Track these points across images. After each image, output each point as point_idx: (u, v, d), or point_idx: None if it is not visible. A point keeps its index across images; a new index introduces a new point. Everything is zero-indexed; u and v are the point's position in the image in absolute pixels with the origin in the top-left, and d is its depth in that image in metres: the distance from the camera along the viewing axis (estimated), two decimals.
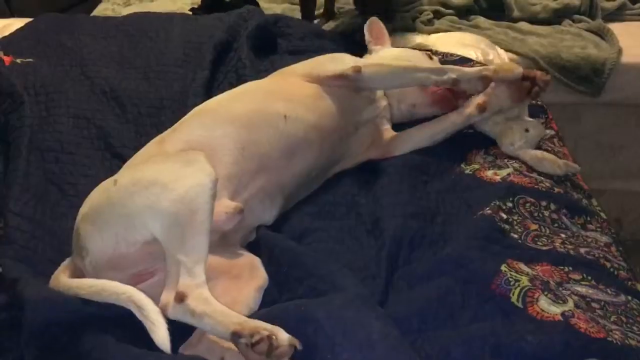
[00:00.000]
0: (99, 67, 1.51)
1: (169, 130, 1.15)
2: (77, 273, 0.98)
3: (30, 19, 1.80)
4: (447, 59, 1.62)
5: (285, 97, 1.19)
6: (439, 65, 1.37)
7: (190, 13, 2.06)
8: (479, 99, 1.26)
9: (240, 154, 1.08)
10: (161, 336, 0.85)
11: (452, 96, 1.32)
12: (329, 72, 1.24)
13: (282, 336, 0.81)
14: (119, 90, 1.44)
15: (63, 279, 0.96)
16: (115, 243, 0.94)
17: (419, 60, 1.38)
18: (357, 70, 1.22)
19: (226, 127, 1.10)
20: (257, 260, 1.03)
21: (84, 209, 1.01)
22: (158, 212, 0.93)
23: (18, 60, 1.51)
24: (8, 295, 0.97)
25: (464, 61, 1.60)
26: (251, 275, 1.00)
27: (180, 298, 0.87)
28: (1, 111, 1.35)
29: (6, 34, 1.70)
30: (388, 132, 1.33)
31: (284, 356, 0.81)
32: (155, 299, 0.90)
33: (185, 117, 1.18)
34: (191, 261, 0.90)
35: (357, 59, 1.32)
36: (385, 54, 1.43)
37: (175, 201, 0.93)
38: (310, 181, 1.20)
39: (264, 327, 0.82)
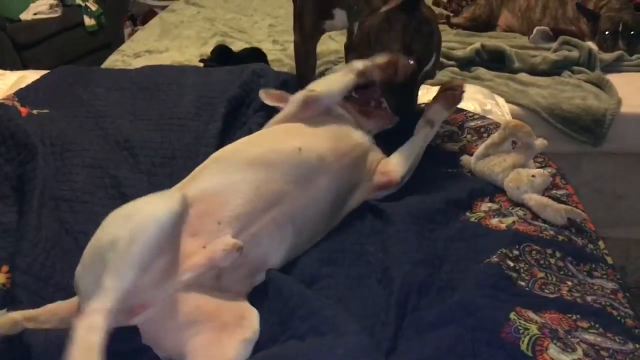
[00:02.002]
0: (112, 119, 1.55)
1: (188, 177, 1.18)
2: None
3: (43, 71, 1.85)
4: None
5: (298, 132, 1.26)
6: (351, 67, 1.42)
7: (202, 64, 2.13)
8: (423, 119, 1.42)
9: (254, 194, 1.10)
10: None
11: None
12: (293, 109, 1.32)
13: None
14: (132, 141, 1.47)
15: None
16: (96, 279, 0.91)
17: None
18: (309, 93, 1.32)
19: (243, 172, 1.13)
20: (249, 311, 1.02)
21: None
22: (107, 241, 0.93)
23: (34, 112, 1.54)
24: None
25: (458, 111, 1.64)
26: (238, 325, 0.99)
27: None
28: (17, 162, 1.39)
29: (22, 85, 1.75)
30: (383, 157, 1.38)
31: None
32: (151, 332, 0.93)
33: (203, 163, 1.21)
34: (108, 286, 0.88)
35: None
36: None
37: (120, 227, 0.94)
38: (321, 215, 1.20)
39: None
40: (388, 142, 1.43)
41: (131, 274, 0.90)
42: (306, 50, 1.66)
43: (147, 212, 0.96)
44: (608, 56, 2.43)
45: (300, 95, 1.34)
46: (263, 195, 1.11)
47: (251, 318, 1.01)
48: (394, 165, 1.35)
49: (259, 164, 1.15)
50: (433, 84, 2.10)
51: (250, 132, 1.50)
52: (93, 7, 3.86)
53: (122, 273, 0.89)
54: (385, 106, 1.44)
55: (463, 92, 1.45)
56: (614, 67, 2.42)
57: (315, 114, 1.32)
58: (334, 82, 1.36)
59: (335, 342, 0.90)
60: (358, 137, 1.34)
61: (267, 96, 1.51)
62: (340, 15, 1.53)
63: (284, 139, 1.24)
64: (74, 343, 0.82)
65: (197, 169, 1.20)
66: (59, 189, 1.33)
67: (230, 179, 1.12)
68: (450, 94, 1.44)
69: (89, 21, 3.81)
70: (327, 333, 0.93)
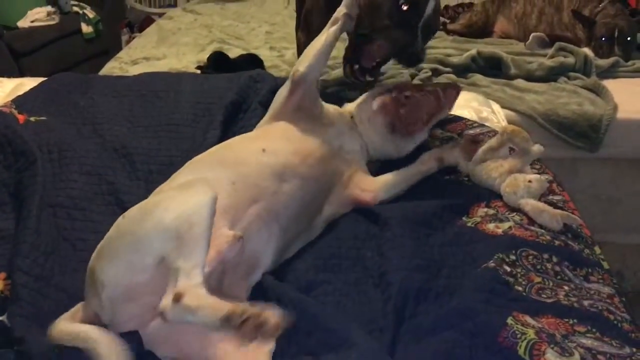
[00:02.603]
0: (110, 125, 1.56)
1: (167, 181, 1.21)
2: (85, 319, 1.01)
3: (41, 78, 1.85)
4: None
5: (263, 137, 1.33)
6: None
7: (199, 71, 2.13)
8: (437, 154, 1.42)
9: (232, 188, 1.13)
10: None
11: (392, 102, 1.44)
12: (282, 98, 1.38)
13: (270, 312, 0.86)
14: (130, 148, 1.48)
15: (60, 326, 0.99)
16: (128, 271, 0.98)
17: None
18: (294, 73, 1.37)
19: (215, 169, 1.17)
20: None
21: (98, 248, 1.05)
22: (161, 230, 0.98)
23: (32, 119, 1.55)
24: (15, 353, 0.98)
25: (457, 120, 1.65)
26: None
27: (177, 298, 0.90)
28: (15, 169, 1.39)
29: (19, 93, 1.75)
30: (367, 174, 1.39)
31: (273, 331, 0.85)
32: (167, 337, 0.96)
33: (180, 169, 1.24)
34: (189, 266, 0.94)
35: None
36: None
37: (176, 218, 0.98)
38: (305, 212, 1.23)
39: (253, 309, 0.86)
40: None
41: (204, 251, 0.96)
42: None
43: (195, 202, 1.02)
44: (604, 62, 2.44)
45: (288, 81, 1.39)
46: (240, 189, 1.14)
47: None
48: (379, 188, 1.35)
49: (229, 162, 1.20)
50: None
51: None
52: (90, 15, 3.86)
53: (196, 252, 0.95)
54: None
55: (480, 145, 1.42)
56: (609, 73, 2.43)
57: (303, 94, 1.36)
58: (312, 50, 1.40)
59: (349, 352, 0.91)
60: (325, 139, 1.35)
61: None
62: None
63: (251, 142, 1.31)
64: (200, 310, 0.89)
65: (174, 174, 1.22)
66: (56, 196, 1.33)
67: (203, 175, 1.15)
68: (474, 148, 1.41)
69: (86, 28, 3.82)
70: (336, 346, 0.93)
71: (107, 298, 0.98)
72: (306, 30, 1.68)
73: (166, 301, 0.92)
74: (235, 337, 0.97)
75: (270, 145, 1.26)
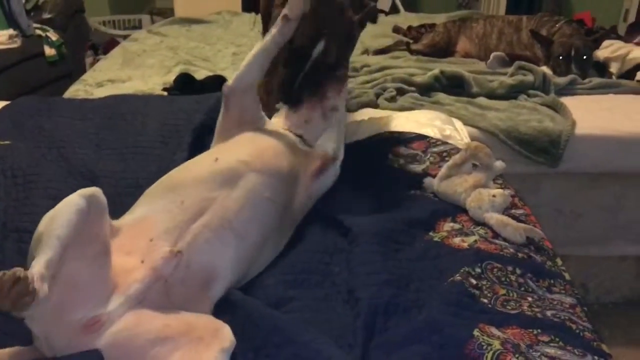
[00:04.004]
0: (76, 149, 1.55)
1: (126, 213, 1.20)
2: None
3: (3, 102, 1.84)
4: (404, 136, 1.72)
5: (216, 149, 1.35)
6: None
7: (165, 93, 2.13)
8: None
9: (179, 209, 1.13)
10: None
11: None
12: (220, 116, 1.39)
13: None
14: (96, 171, 1.47)
15: None
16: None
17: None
18: (224, 88, 1.37)
19: (165, 197, 1.17)
20: (222, 325, 1.02)
21: None
22: (34, 238, 0.97)
23: None
24: None
25: (421, 138, 1.69)
26: (214, 337, 0.98)
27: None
28: None
29: None
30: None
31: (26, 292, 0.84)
32: (120, 353, 0.94)
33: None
34: (38, 259, 0.91)
35: None
36: None
37: (43, 221, 0.98)
38: (263, 214, 1.21)
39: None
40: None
41: (56, 242, 0.92)
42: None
43: (61, 204, 0.99)
44: (562, 80, 2.51)
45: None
46: (188, 207, 1.13)
47: (225, 331, 1.00)
48: (321, 147, 1.41)
49: (179, 186, 1.19)
50: (398, 109, 2.15)
51: None
52: (54, 37, 3.82)
53: (49, 246, 0.92)
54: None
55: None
56: (567, 90, 2.49)
57: (240, 106, 1.36)
58: (244, 61, 1.39)
59: None
60: (277, 133, 1.38)
61: None
62: None
63: (202, 158, 1.31)
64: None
65: (132, 207, 1.22)
66: (20, 221, 1.31)
67: (154, 205, 1.16)
68: None
69: (49, 51, 3.78)
70: (308, 359, 0.93)
71: (37, 323, 0.96)
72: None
73: None
74: (186, 344, 0.97)
75: (223, 153, 1.28)
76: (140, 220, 1.13)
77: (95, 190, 1.04)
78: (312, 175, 1.38)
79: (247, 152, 1.28)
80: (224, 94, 1.38)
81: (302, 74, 1.38)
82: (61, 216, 0.96)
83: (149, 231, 1.10)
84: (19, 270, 0.85)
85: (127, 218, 1.16)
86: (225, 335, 0.99)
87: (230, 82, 1.38)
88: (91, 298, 0.98)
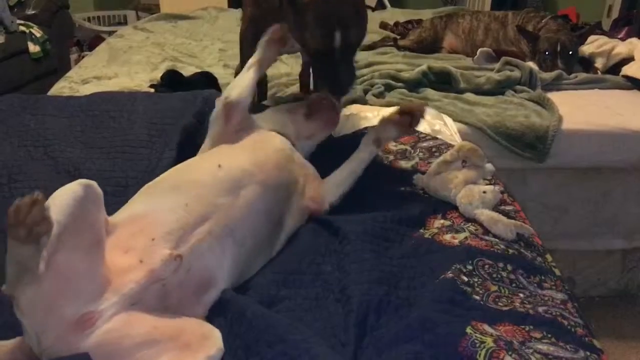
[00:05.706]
0: (62, 147, 1.53)
1: (119, 210, 1.18)
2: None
3: None
4: None
5: (218, 153, 1.34)
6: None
7: (152, 90, 2.11)
8: (372, 136, 1.46)
9: (184, 210, 1.12)
10: None
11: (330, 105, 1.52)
12: (220, 122, 1.40)
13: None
14: (83, 170, 1.45)
15: None
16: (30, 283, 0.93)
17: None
18: (226, 99, 1.40)
19: (168, 196, 1.16)
20: (211, 331, 1.02)
21: None
22: None
23: None
24: None
25: (411, 132, 1.68)
26: (202, 344, 0.99)
27: None
28: None
29: None
30: (317, 179, 1.42)
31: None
32: (108, 354, 0.93)
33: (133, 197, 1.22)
34: None
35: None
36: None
37: None
38: (264, 222, 1.23)
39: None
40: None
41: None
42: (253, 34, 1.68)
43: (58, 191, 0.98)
44: (548, 75, 2.52)
45: (218, 106, 1.41)
46: (193, 210, 1.13)
47: (214, 337, 1.00)
48: (325, 193, 1.39)
49: (182, 186, 1.18)
50: (386, 105, 2.15)
51: None
52: (38, 34, 3.78)
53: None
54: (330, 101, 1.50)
55: (423, 114, 1.47)
56: (553, 85, 2.50)
57: (240, 119, 1.39)
58: (242, 80, 1.44)
59: None
60: (277, 143, 1.38)
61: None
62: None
63: (205, 161, 1.32)
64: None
65: (130, 200, 1.21)
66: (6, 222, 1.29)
67: (156, 203, 1.15)
68: (407, 120, 1.45)
69: (33, 48, 3.73)
70: (297, 357, 0.93)
71: (28, 317, 0.95)
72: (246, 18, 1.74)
73: None
74: (172, 349, 0.96)
75: (226, 159, 1.27)
76: (140, 217, 1.11)
77: (92, 181, 1.03)
78: (305, 212, 1.37)
79: (251, 161, 1.28)
80: (225, 105, 1.40)
81: (340, 64, 1.41)
82: (59, 201, 0.94)
83: (151, 230, 1.08)
84: (36, 193, 0.87)
85: (123, 214, 1.14)
86: (213, 342, 0.99)
87: (234, 95, 1.40)
88: (83, 291, 0.97)
